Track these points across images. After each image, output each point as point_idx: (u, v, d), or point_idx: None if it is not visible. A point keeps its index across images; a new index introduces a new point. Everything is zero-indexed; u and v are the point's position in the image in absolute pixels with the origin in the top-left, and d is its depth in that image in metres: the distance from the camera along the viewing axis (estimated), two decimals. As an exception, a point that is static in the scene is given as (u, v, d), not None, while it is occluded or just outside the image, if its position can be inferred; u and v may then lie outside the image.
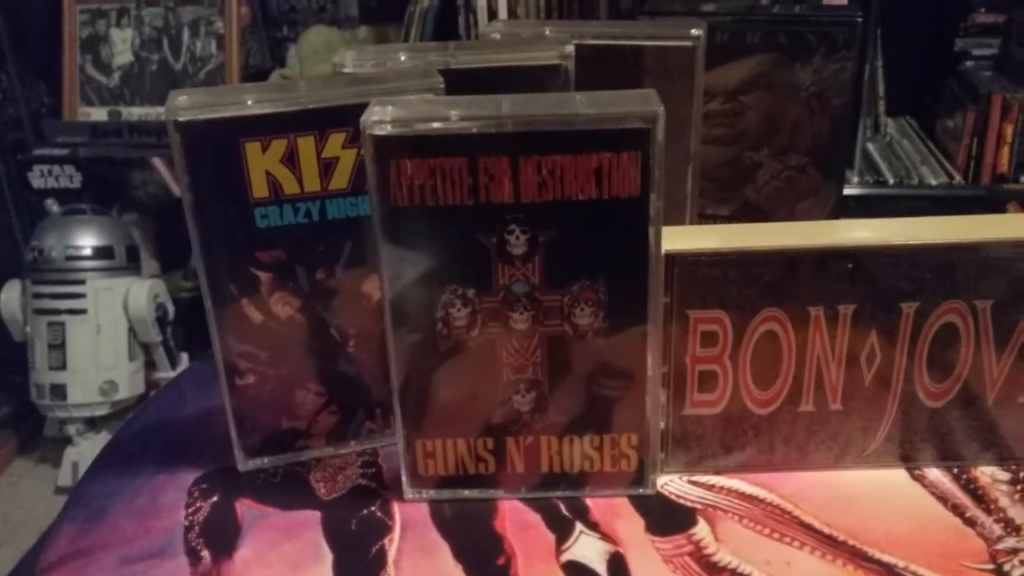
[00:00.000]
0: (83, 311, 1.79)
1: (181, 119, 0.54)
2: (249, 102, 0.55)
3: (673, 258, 0.54)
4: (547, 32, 0.67)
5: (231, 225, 0.57)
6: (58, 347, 1.79)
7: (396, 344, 0.56)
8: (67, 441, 1.86)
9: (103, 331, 1.80)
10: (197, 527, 0.58)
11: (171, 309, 1.89)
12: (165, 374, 1.88)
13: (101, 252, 1.82)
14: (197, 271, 0.58)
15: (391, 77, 0.59)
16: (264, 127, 0.55)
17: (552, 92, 0.62)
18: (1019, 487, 0.58)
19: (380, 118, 0.51)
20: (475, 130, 0.51)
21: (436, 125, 0.51)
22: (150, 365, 1.90)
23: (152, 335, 1.84)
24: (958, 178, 1.61)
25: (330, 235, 0.59)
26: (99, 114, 1.92)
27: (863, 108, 1.61)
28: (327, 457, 0.64)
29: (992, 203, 1.57)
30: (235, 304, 0.59)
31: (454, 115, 0.51)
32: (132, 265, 1.86)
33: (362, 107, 0.52)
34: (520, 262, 0.54)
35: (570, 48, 0.62)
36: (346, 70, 0.62)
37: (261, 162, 0.56)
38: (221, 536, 0.57)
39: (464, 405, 0.57)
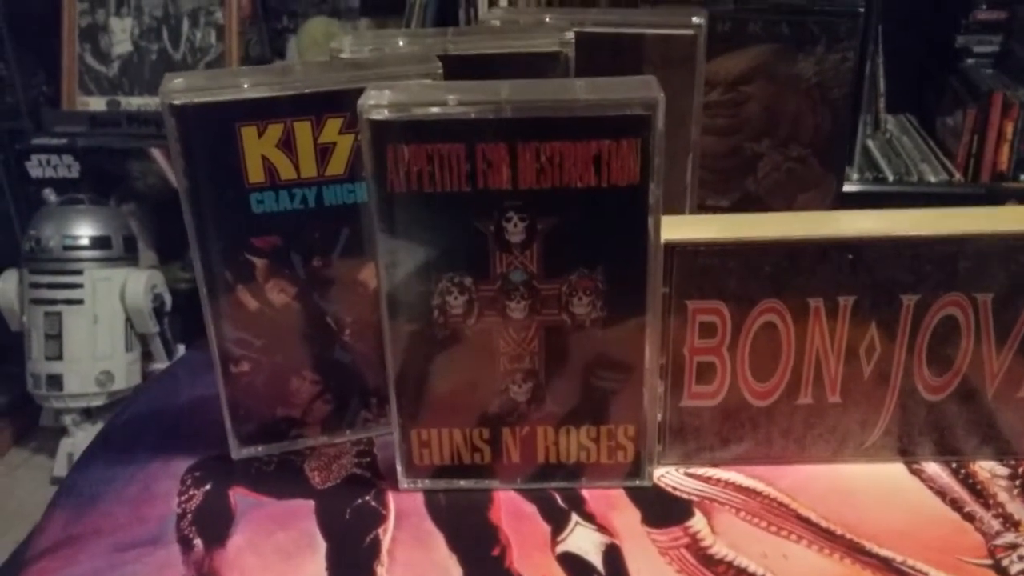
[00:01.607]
0: (80, 301, 1.79)
1: (176, 102, 0.54)
2: (245, 86, 0.54)
3: (672, 248, 0.54)
4: (547, 19, 0.66)
5: (226, 210, 0.56)
6: (55, 337, 1.79)
7: (392, 332, 0.55)
8: (63, 431, 1.85)
9: (100, 321, 1.80)
10: (190, 515, 0.57)
11: (168, 300, 1.88)
12: (162, 365, 1.87)
13: (99, 242, 1.81)
14: (192, 256, 0.57)
15: (389, 62, 0.58)
16: (260, 111, 0.55)
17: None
18: (1018, 482, 0.57)
19: (377, 102, 0.50)
20: (473, 115, 0.50)
21: (434, 110, 0.51)
22: (147, 356, 1.89)
23: (149, 326, 1.83)
24: (958, 176, 1.61)
25: (326, 222, 0.58)
26: (98, 104, 1.91)
27: (864, 104, 1.60)
28: (321, 446, 0.63)
29: (992, 201, 1.56)
30: (230, 291, 0.58)
31: (452, 100, 0.50)
32: (130, 256, 1.85)
33: (359, 92, 0.51)
34: (518, 250, 0.53)
35: (570, 35, 0.62)
36: (343, 55, 0.62)
37: (257, 147, 0.55)
38: (214, 524, 0.57)
39: (460, 395, 0.57)
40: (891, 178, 1.59)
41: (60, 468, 1.83)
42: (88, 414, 1.85)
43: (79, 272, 1.79)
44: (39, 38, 1.91)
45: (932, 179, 1.60)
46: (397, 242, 0.53)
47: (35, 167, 1.89)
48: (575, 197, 0.52)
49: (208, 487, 0.60)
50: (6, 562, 0.63)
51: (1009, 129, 1.57)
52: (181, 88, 0.54)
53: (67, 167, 1.89)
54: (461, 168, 0.51)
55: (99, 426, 1.84)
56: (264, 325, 0.60)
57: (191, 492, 0.60)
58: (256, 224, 0.57)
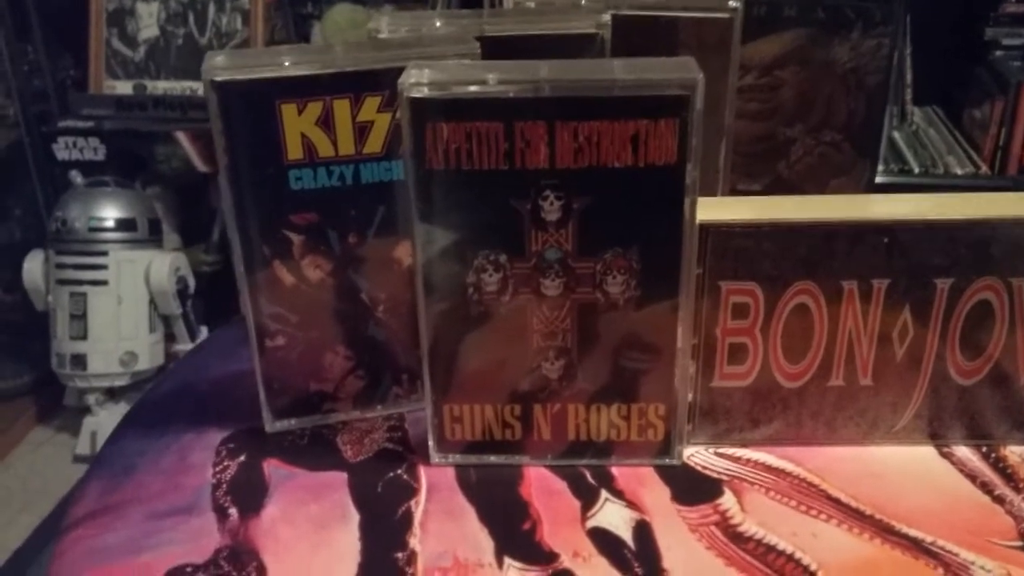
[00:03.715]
0: (105, 282, 1.80)
1: (218, 79, 0.54)
2: (286, 63, 0.55)
3: (707, 228, 0.54)
4: (582, 1, 0.66)
5: (265, 187, 0.57)
6: (79, 317, 1.81)
7: (426, 308, 0.56)
8: (86, 411, 1.87)
9: (124, 302, 1.81)
10: (225, 485, 0.58)
11: (191, 282, 1.90)
12: (184, 346, 1.89)
13: (124, 224, 1.82)
14: (229, 232, 0.58)
15: (427, 42, 0.59)
16: (300, 89, 0.55)
17: (588, 60, 0.62)
18: (1049, 467, 0.57)
19: (417, 80, 0.51)
20: (512, 94, 0.51)
21: (473, 88, 0.51)
22: (170, 338, 1.91)
23: (172, 307, 1.85)
24: (984, 168, 1.60)
25: (363, 199, 0.59)
26: (124, 87, 1.92)
27: (890, 95, 1.59)
28: (354, 420, 0.64)
29: (1018, 195, 1.56)
30: (267, 266, 0.59)
31: (491, 79, 0.51)
32: (154, 238, 1.86)
33: (398, 71, 0.52)
34: (553, 228, 0.53)
35: (606, 17, 0.62)
36: (381, 35, 0.62)
37: (296, 124, 0.56)
38: (249, 494, 0.57)
39: (492, 371, 0.57)
40: (917, 170, 1.59)
41: (83, 447, 1.85)
42: (111, 394, 1.87)
43: (104, 253, 1.80)
44: (67, 22, 1.93)
45: (958, 171, 1.59)
46: (433, 219, 0.53)
47: (62, 149, 1.91)
48: (612, 176, 0.52)
49: (242, 458, 0.61)
50: (30, 538, 0.64)
51: (1037, 122, 1.56)
52: (223, 65, 0.54)
53: (93, 150, 1.91)
54: (499, 146, 0.52)
55: (122, 406, 1.86)
56: (300, 301, 0.60)
57: (226, 463, 0.60)
58: (294, 200, 0.58)
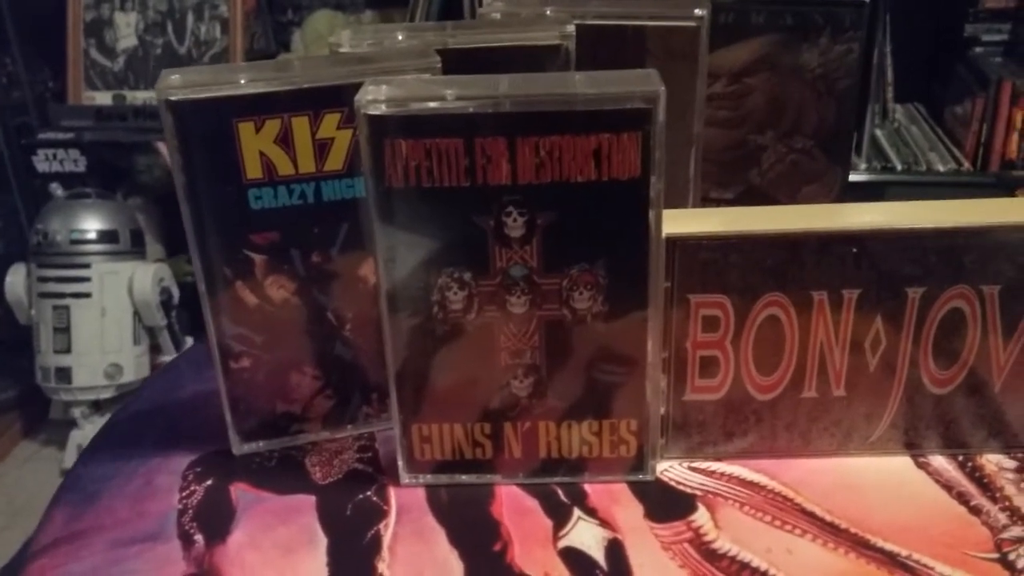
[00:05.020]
0: (88, 295, 1.79)
1: (172, 98, 0.53)
2: (242, 81, 0.54)
3: (674, 242, 0.53)
4: (547, 12, 0.66)
5: (224, 207, 0.56)
6: (63, 331, 1.79)
7: (392, 328, 0.55)
8: (72, 424, 1.86)
9: (108, 315, 1.80)
10: (191, 511, 0.57)
11: (175, 293, 1.88)
12: (169, 357, 1.87)
13: (106, 236, 1.81)
14: (191, 253, 0.57)
15: (387, 56, 0.58)
16: (257, 107, 0.54)
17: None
18: (1025, 476, 0.57)
19: (375, 97, 0.50)
20: (472, 110, 0.50)
21: (432, 105, 0.50)
22: (155, 349, 1.90)
23: (157, 319, 1.84)
24: (967, 165, 1.60)
25: (325, 217, 0.58)
26: (103, 98, 1.91)
27: (871, 94, 1.59)
28: (323, 441, 0.63)
29: (1001, 190, 1.56)
30: (229, 287, 0.58)
31: (450, 94, 0.50)
32: (137, 249, 1.85)
33: (357, 87, 0.51)
34: (518, 245, 0.53)
35: (571, 28, 0.61)
36: (342, 50, 0.61)
37: (254, 142, 0.55)
38: (215, 520, 0.56)
39: (461, 390, 0.56)
40: (899, 167, 1.58)
41: (70, 460, 1.83)
42: (97, 407, 1.86)
43: (86, 266, 1.79)
44: (45, 33, 1.92)
45: (941, 168, 1.59)
46: (396, 237, 0.53)
47: (42, 161, 1.90)
48: (575, 191, 0.51)
49: (209, 482, 0.60)
50: (16, 554, 0.63)
51: (1018, 118, 1.56)
52: (178, 84, 0.53)
53: (73, 161, 1.90)
54: (460, 163, 0.51)
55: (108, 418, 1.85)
56: (264, 321, 0.59)
57: (192, 488, 0.59)
58: (254, 220, 0.57)
